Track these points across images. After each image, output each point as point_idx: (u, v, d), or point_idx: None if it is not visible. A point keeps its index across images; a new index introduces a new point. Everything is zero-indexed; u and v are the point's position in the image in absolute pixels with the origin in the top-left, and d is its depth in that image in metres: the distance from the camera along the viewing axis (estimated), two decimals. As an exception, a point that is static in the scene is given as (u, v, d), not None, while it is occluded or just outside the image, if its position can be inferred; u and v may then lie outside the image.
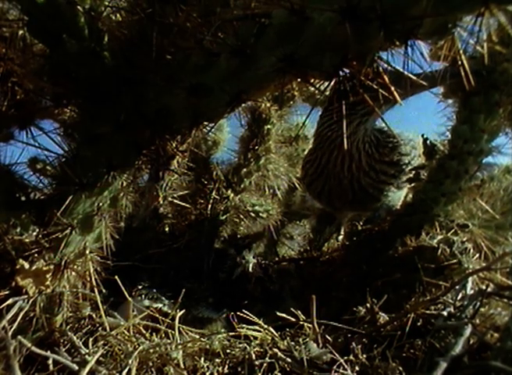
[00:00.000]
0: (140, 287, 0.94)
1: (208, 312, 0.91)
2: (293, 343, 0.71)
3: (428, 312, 0.75)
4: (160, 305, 0.87)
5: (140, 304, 0.85)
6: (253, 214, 1.30)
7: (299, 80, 0.64)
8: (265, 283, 1.04)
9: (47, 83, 0.76)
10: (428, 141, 1.20)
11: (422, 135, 1.22)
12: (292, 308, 0.80)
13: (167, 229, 1.23)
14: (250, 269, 1.02)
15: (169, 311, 0.84)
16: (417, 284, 0.87)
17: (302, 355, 0.67)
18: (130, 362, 0.66)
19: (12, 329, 0.64)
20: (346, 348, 0.70)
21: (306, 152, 1.31)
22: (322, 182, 1.15)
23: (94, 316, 0.77)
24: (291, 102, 1.37)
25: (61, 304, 0.74)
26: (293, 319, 0.78)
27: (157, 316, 0.80)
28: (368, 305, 0.79)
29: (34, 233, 0.72)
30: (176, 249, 1.13)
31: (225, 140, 1.51)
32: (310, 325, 0.75)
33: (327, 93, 0.62)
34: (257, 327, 0.77)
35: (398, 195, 1.22)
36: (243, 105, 0.72)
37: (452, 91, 1.03)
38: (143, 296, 0.90)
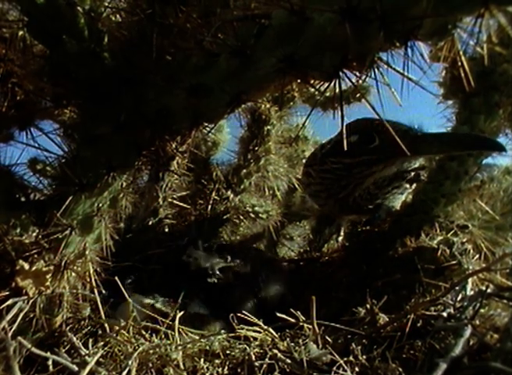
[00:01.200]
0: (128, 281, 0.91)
1: (202, 309, 0.89)
2: (292, 344, 0.71)
3: (427, 313, 0.75)
4: (152, 301, 0.86)
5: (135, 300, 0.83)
6: (253, 215, 1.30)
7: (299, 80, 0.64)
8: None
9: (47, 83, 0.76)
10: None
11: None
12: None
13: (167, 229, 1.23)
14: (206, 265, 0.95)
15: (163, 308, 0.83)
16: (417, 285, 0.87)
17: (302, 356, 0.67)
18: (130, 362, 0.66)
19: (12, 330, 0.64)
20: (346, 349, 0.70)
21: (306, 160, 1.30)
22: (322, 201, 1.17)
23: (93, 316, 0.77)
24: (291, 103, 1.37)
25: (61, 305, 0.74)
26: (293, 320, 0.78)
27: (156, 316, 0.80)
28: (368, 305, 0.79)
29: (34, 234, 0.72)
30: (176, 249, 1.13)
31: (224, 141, 1.51)
32: (310, 326, 0.75)
33: (327, 94, 0.61)
34: (256, 328, 0.77)
35: (400, 198, 1.22)
36: (243, 105, 0.72)
37: (452, 92, 1.03)
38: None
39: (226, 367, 0.70)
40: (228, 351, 0.73)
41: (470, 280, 0.80)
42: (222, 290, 0.93)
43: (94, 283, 0.76)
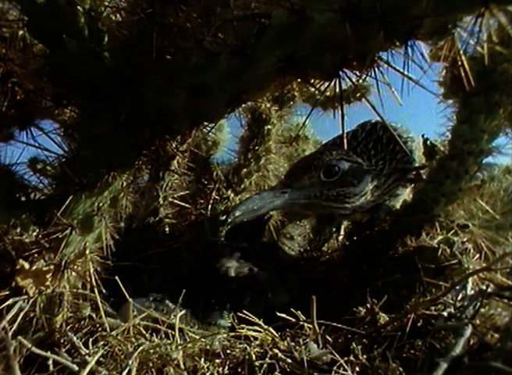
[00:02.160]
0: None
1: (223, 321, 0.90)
2: (293, 343, 0.71)
3: (428, 312, 0.75)
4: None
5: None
6: (253, 214, 1.29)
7: (299, 80, 0.64)
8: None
9: (47, 83, 0.76)
10: (428, 142, 1.20)
11: (423, 135, 1.22)
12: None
13: (167, 229, 1.23)
14: (233, 274, 0.99)
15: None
16: (417, 285, 0.87)
17: (302, 355, 0.67)
18: (130, 362, 0.66)
19: (13, 329, 0.64)
20: (346, 349, 0.70)
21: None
22: None
23: (94, 316, 0.77)
24: (291, 103, 1.37)
25: (61, 304, 0.74)
26: (294, 320, 0.78)
27: (157, 316, 0.80)
28: (369, 305, 0.79)
29: (34, 234, 0.72)
30: (176, 249, 1.13)
31: (225, 140, 1.51)
32: (310, 325, 0.75)
33: (327, 93, 0.61)
34: (257, 328, 0.77)
35: (400, 196, 1.22)
36: (244, 105, 0.72)
37: (452, 92, 1.03)
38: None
39: (227, 367, 0.70)
40: (228, 351, 0.73)
41: (470, 279, 0.80)
42: (236, 294, 0.94)
43: (94, 283, 0.76)
